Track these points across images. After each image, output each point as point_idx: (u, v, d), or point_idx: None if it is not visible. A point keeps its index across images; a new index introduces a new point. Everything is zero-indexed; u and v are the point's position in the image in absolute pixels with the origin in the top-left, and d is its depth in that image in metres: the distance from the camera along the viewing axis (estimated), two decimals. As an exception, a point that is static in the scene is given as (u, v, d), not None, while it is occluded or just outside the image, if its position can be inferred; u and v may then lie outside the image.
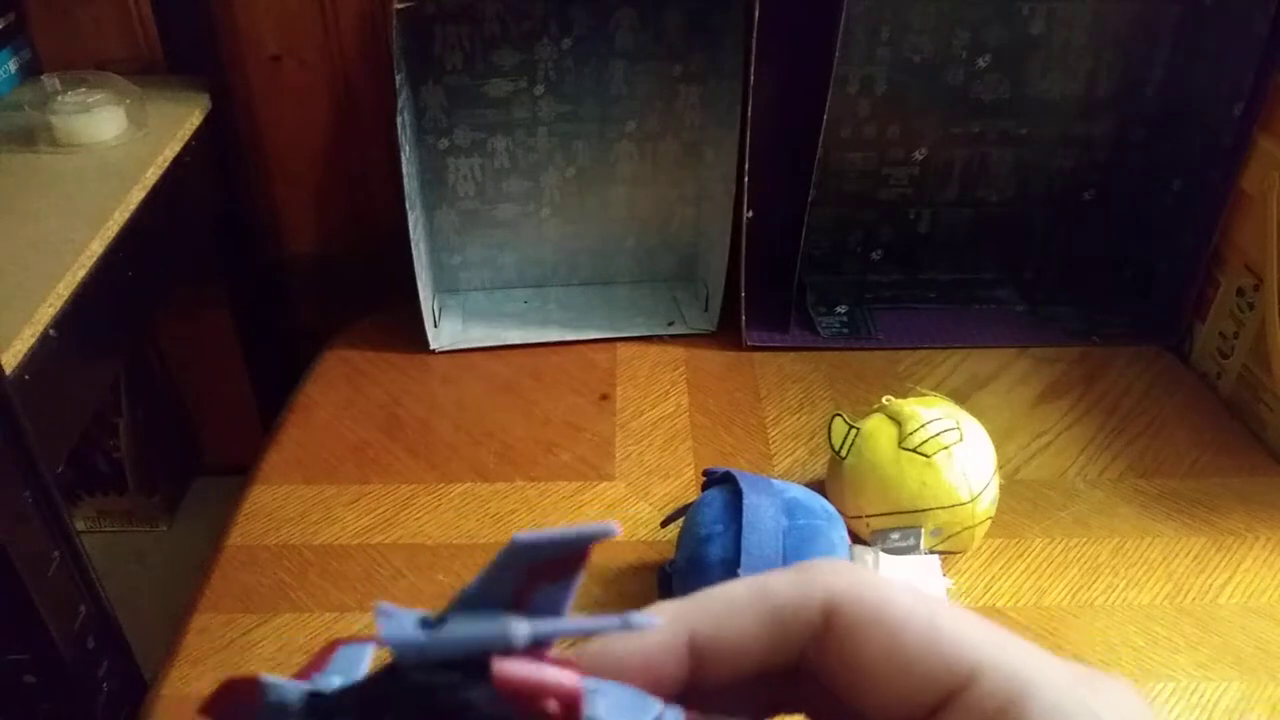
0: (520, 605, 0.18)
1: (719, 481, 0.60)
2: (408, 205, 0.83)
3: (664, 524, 0.62)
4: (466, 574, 0.67)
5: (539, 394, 0.85)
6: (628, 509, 0.73)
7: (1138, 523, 0.72)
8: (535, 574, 0.18)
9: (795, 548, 0.56)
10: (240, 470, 0.79)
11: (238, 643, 0.63)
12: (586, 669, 0.19)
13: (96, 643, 0.62)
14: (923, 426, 0.64)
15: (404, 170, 0.82)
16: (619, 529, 0.18)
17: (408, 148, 0.83)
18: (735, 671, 0.20)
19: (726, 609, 0.20)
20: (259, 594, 0.66)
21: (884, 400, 0.68)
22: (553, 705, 0.17)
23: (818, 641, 0.20)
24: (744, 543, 0.55)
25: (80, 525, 1.18)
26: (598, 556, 0.69)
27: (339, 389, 0.86)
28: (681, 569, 0.59)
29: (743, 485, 0.58)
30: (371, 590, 0.66)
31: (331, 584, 0.67)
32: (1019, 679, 0.18)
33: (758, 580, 0.20)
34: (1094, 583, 0.67)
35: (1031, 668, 0.18)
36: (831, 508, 0.60)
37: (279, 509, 0.73)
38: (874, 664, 0.19)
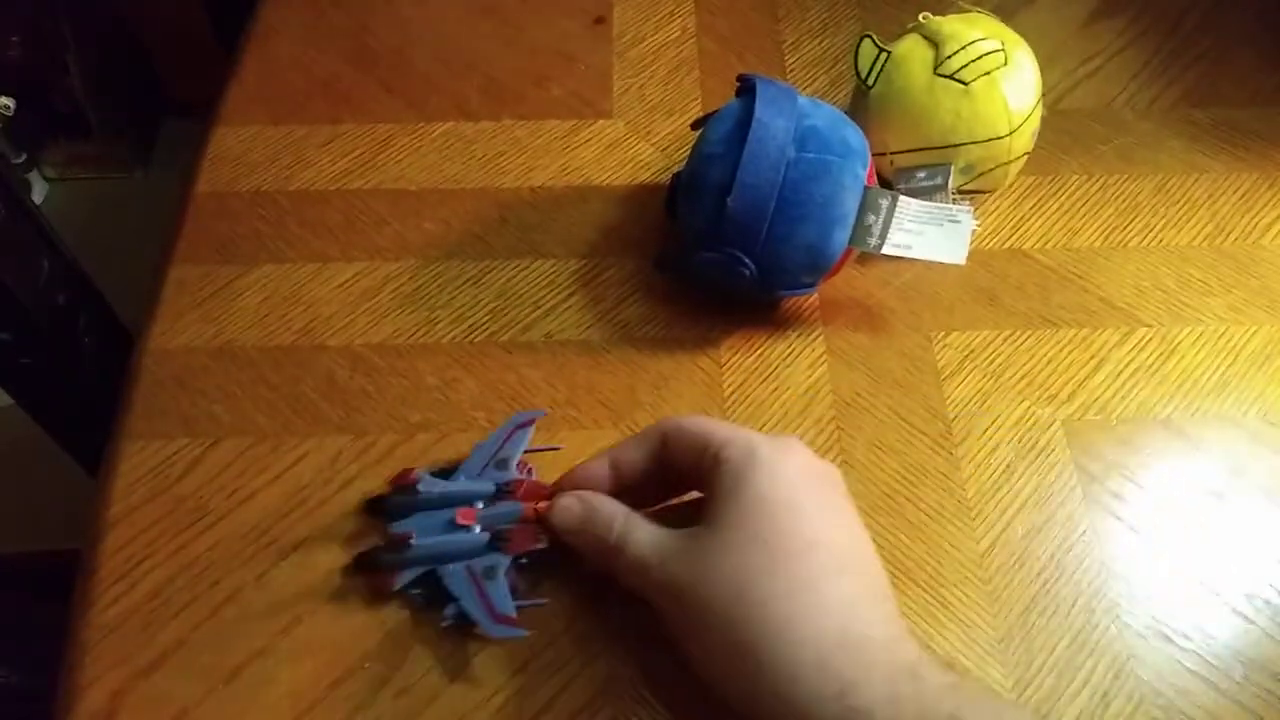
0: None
1: (749, 90, 0.53)
2: None
3: (693, 126, 0.57)
4: (455, 221, 0.63)
5: (525, 17, 0.75)
6: (627, 149, 0.67)
7: (1185, 157, 0.66)
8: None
9: (796, 182, 0.51)
10: (207, 107, 0.71)
11: (220, 294, 0.60)
12: (559, 484, 0.45)
13: (67, 299, 0.59)
14: (963, 48, 0.56)
15: None
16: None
17: None
18: (633, 475, 0.44)
19: (626, 445, 0.44)
20: (235, 244, 0.62)
21: (920, 18, 0.59)
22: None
23: (663, 449, 0.43)
24: (740, 173, 0.50)
25: (49, 173, 1.12)
26: (598, 204, 0.64)
27: (299, 12, 0.76)
28: (685, 184, 0.55)
29: (758, 105, 0.51)
30: (354, 239, 0.62)
31: (311, 233, 0.63)
32: (750, 444, 0.40)
33: (639, 433, 0.45)
34: (1131, 223, 0.62)
35: (755, 439, 0.41)
36: (856, 141, 0.53)
37: (246, 152, 0.67)
38: (680, 448, 0.43)
